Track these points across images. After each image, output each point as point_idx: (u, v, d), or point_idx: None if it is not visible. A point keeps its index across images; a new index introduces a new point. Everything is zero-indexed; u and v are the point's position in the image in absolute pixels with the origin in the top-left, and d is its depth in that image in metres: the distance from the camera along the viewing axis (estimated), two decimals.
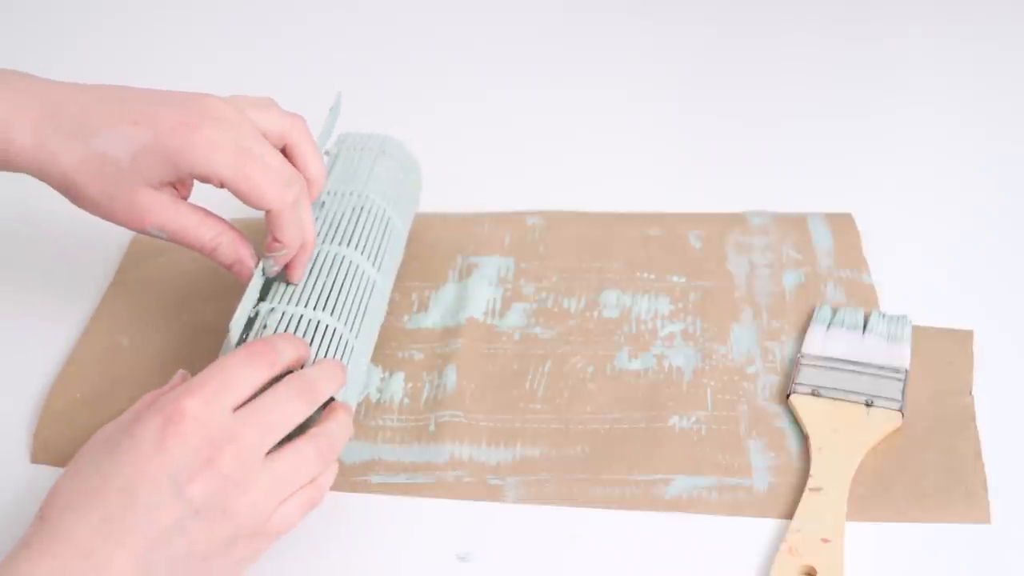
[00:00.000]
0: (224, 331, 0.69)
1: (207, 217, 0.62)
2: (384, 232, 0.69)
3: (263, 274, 0.62)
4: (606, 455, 0.64)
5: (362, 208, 0.69)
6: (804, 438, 0.64)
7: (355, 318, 0.64)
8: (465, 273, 0.75)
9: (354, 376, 0.62)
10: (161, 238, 0.62)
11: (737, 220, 0.79)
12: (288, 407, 0.54)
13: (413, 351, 0.70)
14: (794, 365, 0.67)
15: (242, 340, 0.60)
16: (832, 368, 0.67)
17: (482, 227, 0.79)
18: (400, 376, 0.68)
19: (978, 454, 0.62)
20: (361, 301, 0.65)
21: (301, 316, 0.61)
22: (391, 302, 0.72)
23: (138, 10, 1.07)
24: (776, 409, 0.66)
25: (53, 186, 0.61)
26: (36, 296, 0.75)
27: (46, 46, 1.01)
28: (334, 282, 0.64)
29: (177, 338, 0.71)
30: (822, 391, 0.65)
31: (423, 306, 0.73)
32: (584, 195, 0.82)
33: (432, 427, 0.65)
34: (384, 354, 0.70)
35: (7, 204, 0.82)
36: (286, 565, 0.58)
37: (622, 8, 1.05)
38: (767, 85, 0.95)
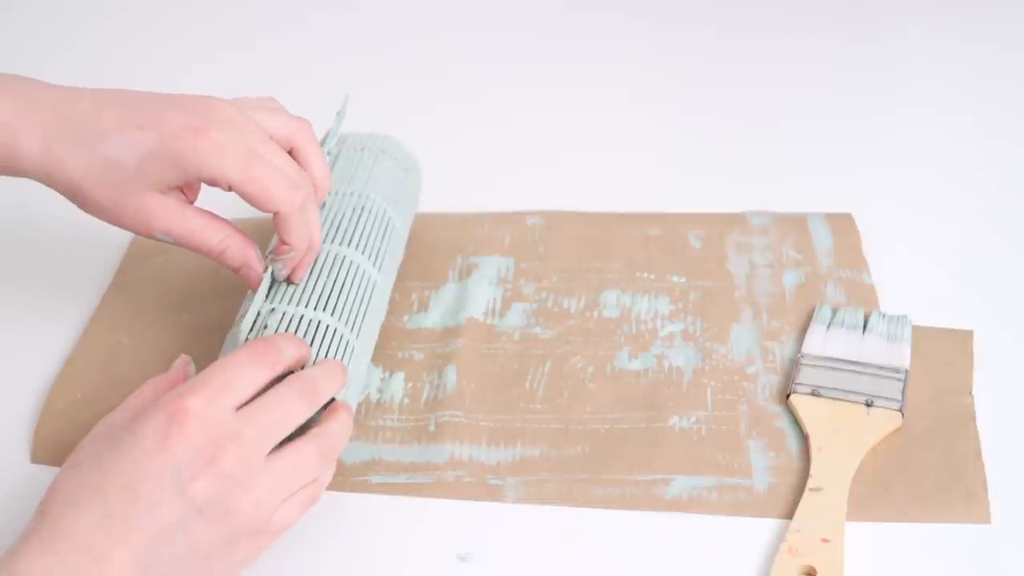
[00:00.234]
0: (224, 331, 0.69)
1: (213, 220, 0.62)
2: (384, 232, 0.69)
3: (272, 277, 0.62)
4: (606, 455, 0.64)
5: (363, 208, 0.69)
6: (804, 438, 0.64)
7: (356, 318, 0.63)
8: (465, 273, 0.75)
9: (354, 376, 0.62)
10: (168, 242, 0.62)
11: (737, 220, 0.79)
12: (290, 408, 0.54)
13: (413, 351, 0.70)
14: (794, 365, 0.68)
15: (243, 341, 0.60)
16: (832, 368, 0.67)
17: (482, 227, 0.79)
18: (400, 376, 0.68)
19: (978, 454, 0.62)
20: (362, 301, 0.65)
21: (302, 316, 0.61)
22: (391, 302, 0.72)
23: (138, 10, 1.07)
24: (776, 409, 0.66)
25: (60, 191, 0.61)
26: (37, 296, 0.75)
27: (46, 46, 1.01)
28: (335, 282, 0.64)
29: (177, 338, 0.71)
30: (822, 391, 0.65)
31: (423, 306, 0.73)
32: (584, 195, 0.82)
33: (432, 427, 0.65)
34: (384, 354, 0.70)
35: (7, 205, 0.82)
36: (286, 565, 0.58)
37: (622, 8, 1.05)
38: (767, 85, 0.95)
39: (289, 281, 0.63)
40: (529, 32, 1.03)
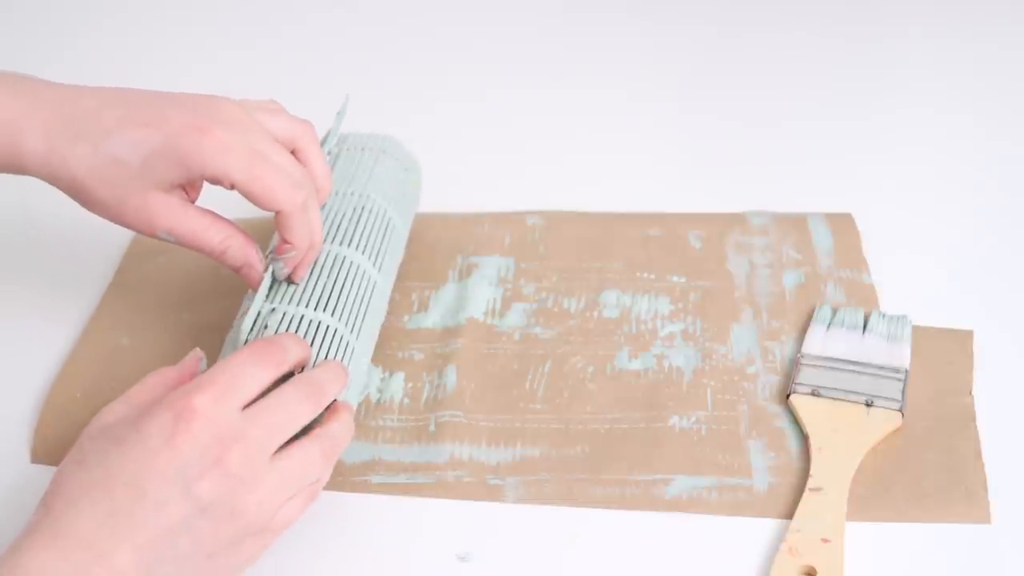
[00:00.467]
0: (225, 331, 0.69)
1: (216, 220, 0.62)
2: (385, 232, 0.69)
3: (272, 277, 0.62)
4: (606, 455, 0.64)
5: (363, 208, 0.69)
6: (804, 438, 0.64)
7: (356, 318, 0.63)
8: (465, 273, 0.75)
9: (355, 376, 0.62)
10: (170, 241, 0.62)
11: (737, 220, 0.79)
12: (296, 409, 0.54)
13: (413, 351, 0.70)
14: (794, 365, 0.68)
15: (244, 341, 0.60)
16: (832, 368, 0.67)
17: (482, 227, 0.79)
18: (400, 376, 0.68)
19: (978, 454, 0.62)
20: (362, 301, 0.65)
21: (302, 316, 0.61)
22: (391, 302, 0.72)
23: (138, 10, 1.07)
24: (776, 409, 0.66)
25: (63, 189, 0.61)
26: (37, 296, 0.75)
27: (46, 46, 1.01)
28: (335, 282, 0.64)
29: (178, 338, 0.71)
30: (822, 391, 0.65)
31: (423, 306, 0.73)
32: (584, 195, 0.82)
33: (432, 427, 0.65)
34: (384, 354, 0.70)
35: (8, 204, 0.82)
36: (286, 565, 0.58)
37: (622, 8, 1.05)
38: (767, 85, 0.95)
39: (290, 281, 0.63)
40: (529, 32, 1.03)
